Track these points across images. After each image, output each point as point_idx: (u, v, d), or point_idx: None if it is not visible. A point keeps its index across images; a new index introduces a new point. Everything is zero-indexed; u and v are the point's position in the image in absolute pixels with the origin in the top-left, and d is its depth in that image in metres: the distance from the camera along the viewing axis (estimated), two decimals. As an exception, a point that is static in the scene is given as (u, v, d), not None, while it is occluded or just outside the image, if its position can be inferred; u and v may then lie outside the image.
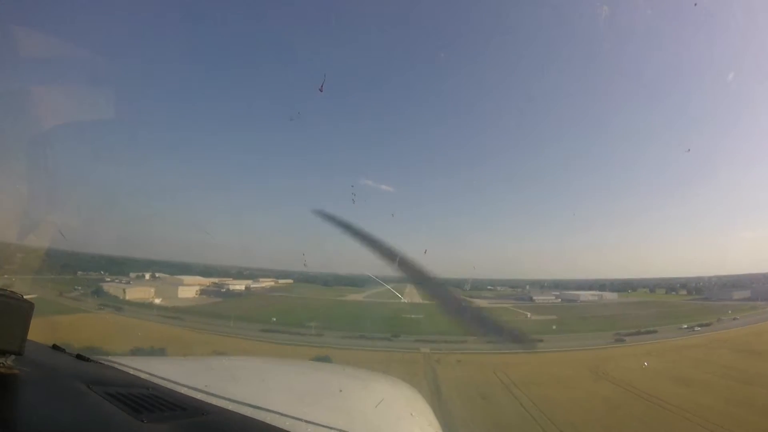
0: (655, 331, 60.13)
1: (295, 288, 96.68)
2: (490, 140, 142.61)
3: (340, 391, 3.72)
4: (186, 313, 58.24)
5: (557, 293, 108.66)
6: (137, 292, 67.07)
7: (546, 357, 46.59)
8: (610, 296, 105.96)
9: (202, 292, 78.14)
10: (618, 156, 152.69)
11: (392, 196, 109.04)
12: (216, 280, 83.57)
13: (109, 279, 71.48)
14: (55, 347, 2.98)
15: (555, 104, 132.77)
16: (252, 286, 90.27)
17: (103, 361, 3.17)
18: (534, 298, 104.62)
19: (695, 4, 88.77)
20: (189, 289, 75.30)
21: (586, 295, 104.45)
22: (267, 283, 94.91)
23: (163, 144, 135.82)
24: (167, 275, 79.88)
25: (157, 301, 65.82)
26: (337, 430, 2.62)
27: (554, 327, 59.94)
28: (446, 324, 64.63)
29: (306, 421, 2.53)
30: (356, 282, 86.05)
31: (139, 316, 51.85)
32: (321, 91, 15.90)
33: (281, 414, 2.50)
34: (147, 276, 78.88)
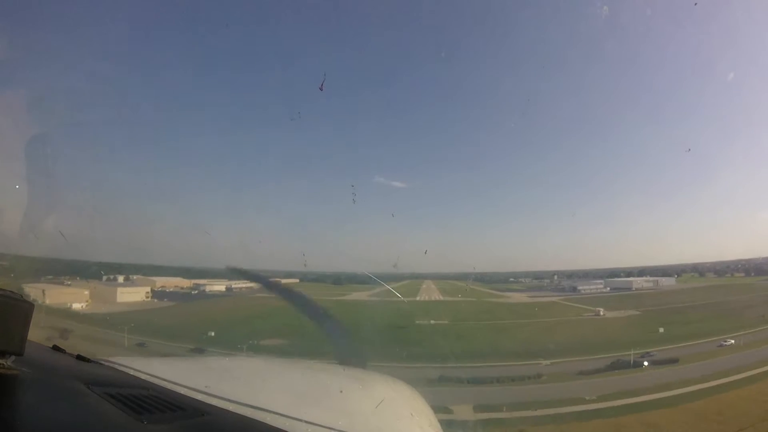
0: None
1: (295, 288, 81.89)
2: (498, 139, 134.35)
3: (341, 391, 3.58)
4: (91, 323, 41.23)
5: (600, 282, 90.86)
6: (59, 294, 52.62)
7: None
8: (667, 281, 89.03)
9: (157, 295, 66.36)
10: (629, 153, 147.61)
11: (404, 192, 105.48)
12: (204, 281, 77.65)
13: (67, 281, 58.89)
14: (55, 348, 2.97)
15: (564, 104, 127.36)
16: (234, 286, 78.33)
17: (103, 362, 3.11)
18: (579, 288, 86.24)
19: (695, 4, 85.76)
20: (133, 293, 63.18)
21: (638, 282, 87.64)
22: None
23: (165, 144, 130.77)
24: (144, 277, 71.96)
25: (75, 305, 52.19)
26: (337, 430, 2.56)
27: (661, 330, 38.57)
28: (490, 335, 45.43)
29: (306, 422, 2.50)
30: (365, 280, 75.02)
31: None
32: (321, 89, 15.18)
33: (281, 414, 2.48)
34: (120, 278, 70.41)
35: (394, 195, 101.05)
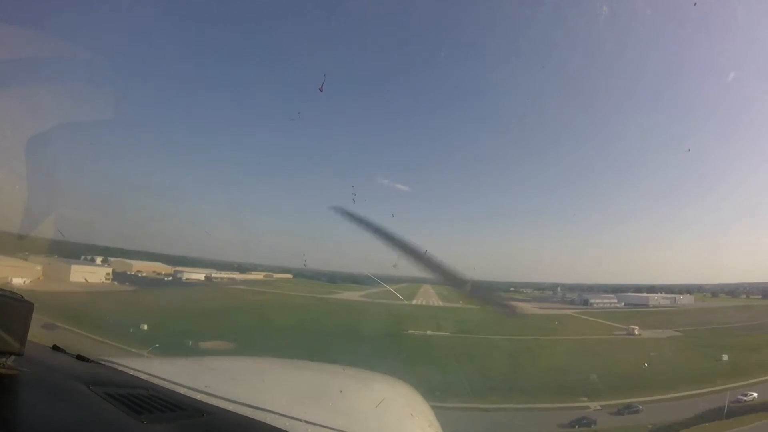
0: None
1: (282, 283, 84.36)
2: (501, 144, 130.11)
3: (341, 391, 3.66)
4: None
5: (612, 296, 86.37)
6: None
7: None
8: (686, 299, 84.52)
9: (118, 278, 60.32)
10: (631, 160, 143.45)
11: (407, 195, 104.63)
12: (184, 269, 75.20)
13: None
14: (55, 348, 2.94)
15: (567, 106, 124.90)
16: (214, 276, 78.21)
17: (103, 362, 3.10)
18: (590, 301, 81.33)
19: (695, 4, 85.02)
20: (90, 273, 57.11)
21: (655, 299, 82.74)
22: (254, 275, 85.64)
23: (168, 144, 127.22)
24: (120, 259, 69.31)
25: (16, 280, 44.15)
26: (337, 430, 2.57)
27: (725, 357, 30.51)
28: (506, 356, 35.81)
29: (306, 421, 2.51)
30: (360, 279, 74.21)
31: None
32: (321, 90, 16.74)
33: (281, 414, 2.48)
34: (99, 260, 68.16)
35: (397, 197, 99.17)
